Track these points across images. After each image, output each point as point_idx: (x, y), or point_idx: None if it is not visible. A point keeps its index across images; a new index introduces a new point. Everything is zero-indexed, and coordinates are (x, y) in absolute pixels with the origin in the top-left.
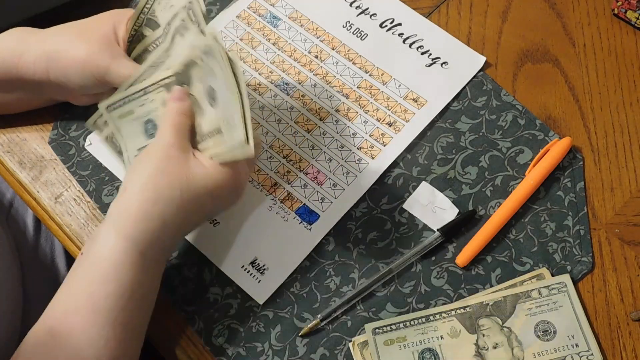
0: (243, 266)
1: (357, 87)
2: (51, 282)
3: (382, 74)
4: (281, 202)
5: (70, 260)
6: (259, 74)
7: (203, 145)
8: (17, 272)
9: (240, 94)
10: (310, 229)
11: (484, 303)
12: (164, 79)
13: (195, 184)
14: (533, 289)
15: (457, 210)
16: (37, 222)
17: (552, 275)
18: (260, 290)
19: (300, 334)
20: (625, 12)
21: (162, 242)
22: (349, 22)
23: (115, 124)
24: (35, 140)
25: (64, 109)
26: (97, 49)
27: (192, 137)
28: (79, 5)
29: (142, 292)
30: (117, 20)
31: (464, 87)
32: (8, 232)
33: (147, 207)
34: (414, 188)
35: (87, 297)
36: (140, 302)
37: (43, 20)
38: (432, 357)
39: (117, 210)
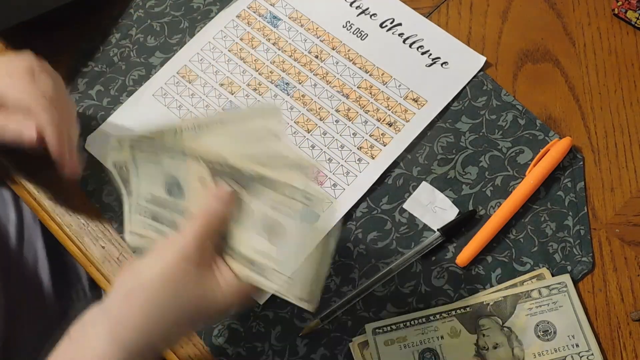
0: None
1: (357, 87)
2: (34, 294)
3: (382, 74)
4: None
5: (54, 270)
6: (259, 74)
7: (232, 262)
8: None
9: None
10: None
11: (484, 303)
12: (218, 164)
13: (205, 306)
14: (533, 289)
15: (457, 210)
16: (20, 232)
17: (552, 275)
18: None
19: (300, 334)
20: (626, 12)
21: (154, 352)
22: (349, 22)
23: (134, 159)
24: None
25: None
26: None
27: (219, 241)
28: (78, 7)
29: None
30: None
31: (464, 87)
32: None
33: (150, 325)
34: (414, 188)
35: None
36: None
37: (43, 21)
38: (432, 357)
39: (117, 314)
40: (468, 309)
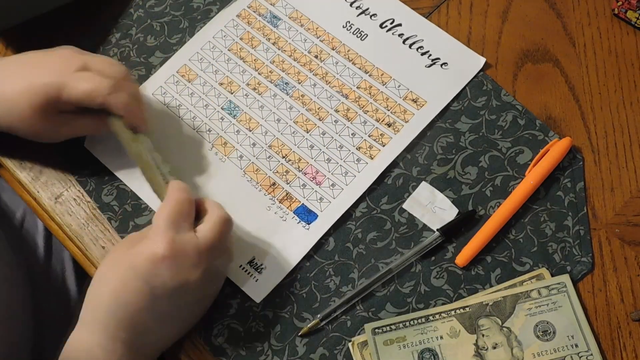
0: (241, 265)
1: (357, 87)
2: (62, 303)
3: (382, 74)
4: (280, 202)
5: (80, 280)
6: (259, 73)
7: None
8: (27, 294)
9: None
10: (308, 229)
11: (484, 303)
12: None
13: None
14: (533, 289)
15: (457, 210)
16: (48, 242)
17: (552, 275)
18: (257, 289)
19: (299, 333)
20: (626, 12)
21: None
22: (349, 22)
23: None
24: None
25: None
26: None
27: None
28: (78, 7)
29: None
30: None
31: (464, 87)
32: (19, 255)
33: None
34: (414, 188)
35: None
36: None
37: (43, 21)
38: (432, 357)
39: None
40: (467, 309)
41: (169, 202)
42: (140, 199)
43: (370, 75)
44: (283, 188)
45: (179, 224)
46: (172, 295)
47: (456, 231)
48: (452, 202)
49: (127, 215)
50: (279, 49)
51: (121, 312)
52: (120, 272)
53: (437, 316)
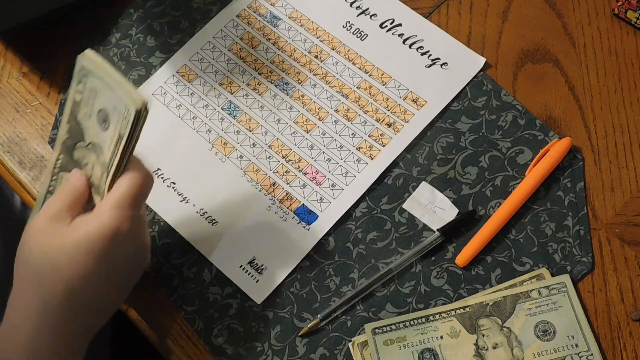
0: (241, 266)
1: (357, 88)
2: None
3: (382, 75)
4: (280, 202)
5: None
6: (259, 73)
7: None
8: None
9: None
10: (308, 229)
11: (484, 303)
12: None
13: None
14: (533, 289)
15: (457, 210)
16: None
17: (552, 275)
18: (258, 289)
19: (300, 333)
20: (626, 12)
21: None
22: (349, 22)
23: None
24: (35, 140)
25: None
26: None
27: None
28: (78, 7)
29: None
30: None
31: (464, 87)
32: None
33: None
34: (414, 188)
35: None
36: None
37: (43, 21)
38: (432, 357)
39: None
40: (467, 309)
41: (132, 182)
42: None
43: (370, 75)
44: (283, 188)
45: (138, 204)
46: (127, 266)
47: (456, 231)
48: (452, 202)
49: None
50: (279, 49)
51: (76, 305)
52: (75, 260)
53: (437, 316)
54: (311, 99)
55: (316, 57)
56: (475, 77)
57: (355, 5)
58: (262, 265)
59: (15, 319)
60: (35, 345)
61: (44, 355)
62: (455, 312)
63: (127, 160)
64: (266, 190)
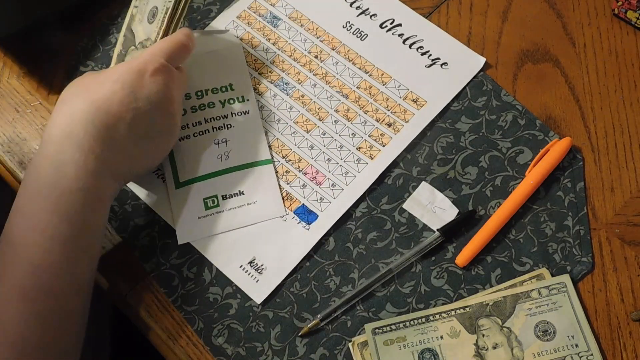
0: (241, 266)
1: (357, 88)
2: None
3: (382, 75)
4: None
5: None
6: (259, 73)
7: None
8: None
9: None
10: (308, 229)
11: (484, 303)
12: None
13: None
14: (533, 289)
15: (457, 210)
16: None
17: (552, 275)
18: (257, 290)
19: (300, 334)
20: (626, 12)
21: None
22: (349, 22)
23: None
24: (35, 140)
25: None
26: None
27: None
28: (78, 7)
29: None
30: None
31: (464, 87)
32: None
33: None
34: (414, 188)
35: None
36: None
37: (43, 21)
38: (432, 357)
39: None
40: (467, 309)
41: (170, 39)
42: (140, 199)
43: (370, 75)
44: (283, 188)
45: (171, 58)
46: (151, 112)
47: (456, 231)
48: (452, 202)
49: (127, 215)
50: (279, 49)
51: (100, 121)
52: (104, 85)
53: (437, 316)
54: (311, 99)
55: (316, 57)
56: (475, 77)
57: (355, 5)
58: (262, 265)
59: (42, 144)
60: (60, 157)
61: (68, 167)
62: (455, 312)
63: (172, 30)
64: None
